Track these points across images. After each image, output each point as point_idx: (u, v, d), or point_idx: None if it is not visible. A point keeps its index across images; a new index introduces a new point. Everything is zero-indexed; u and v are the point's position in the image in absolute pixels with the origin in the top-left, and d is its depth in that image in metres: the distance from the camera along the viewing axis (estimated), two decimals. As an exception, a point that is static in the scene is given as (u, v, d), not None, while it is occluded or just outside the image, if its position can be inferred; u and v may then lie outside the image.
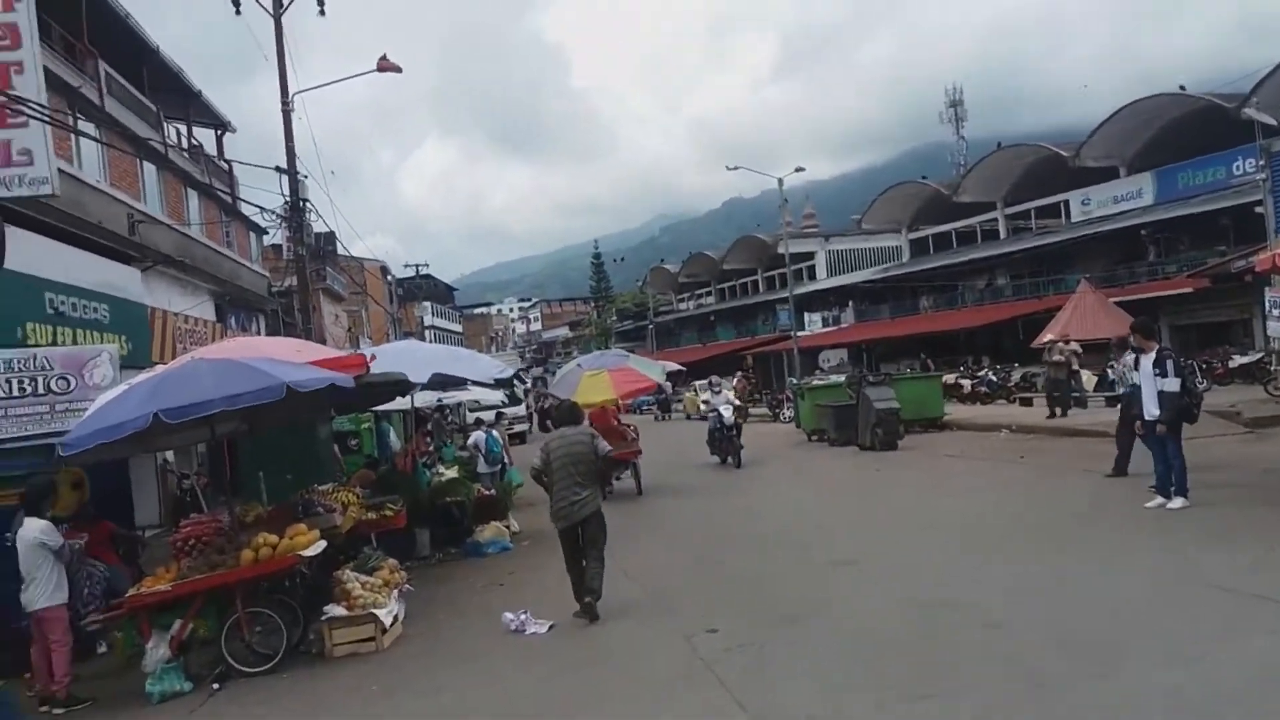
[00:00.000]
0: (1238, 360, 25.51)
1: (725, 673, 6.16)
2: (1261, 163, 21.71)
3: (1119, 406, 11.61)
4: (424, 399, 16.72)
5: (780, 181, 40.66)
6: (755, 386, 41.50)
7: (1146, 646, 5.85)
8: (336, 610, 8.17)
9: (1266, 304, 19.15)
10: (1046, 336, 21.60)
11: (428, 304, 76.50)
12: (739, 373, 39.34)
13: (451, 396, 18.38)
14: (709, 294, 72.88)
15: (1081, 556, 8.51)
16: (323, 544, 8.44)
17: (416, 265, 65.85)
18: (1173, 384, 9.85)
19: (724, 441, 19.13)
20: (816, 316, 53.24)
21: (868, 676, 5.82)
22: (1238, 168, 30.49)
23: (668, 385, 26.85)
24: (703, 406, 23.70)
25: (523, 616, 8.07)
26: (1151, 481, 10.50)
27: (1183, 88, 35.41)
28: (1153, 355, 10.16)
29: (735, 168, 42.04)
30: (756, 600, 8.06)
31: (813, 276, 58.62)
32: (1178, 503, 9.94)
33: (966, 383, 30.14)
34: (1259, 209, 21.87)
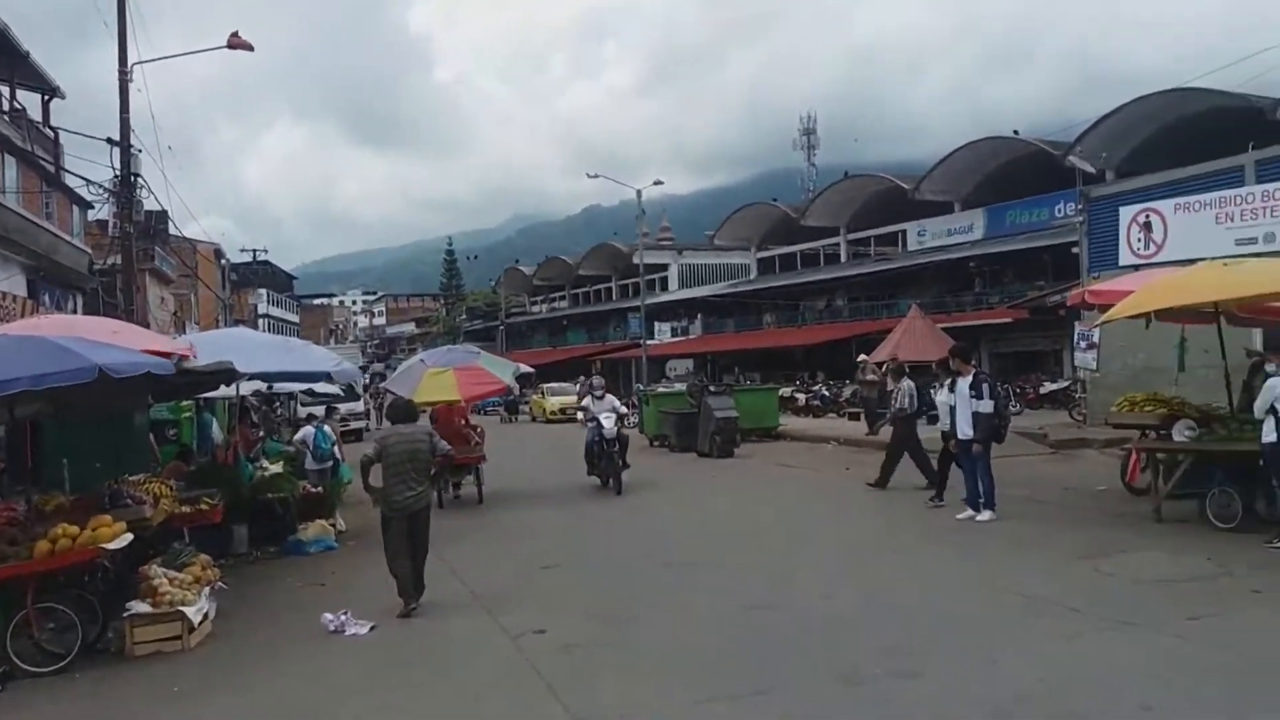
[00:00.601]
0: (1048, 387, 27.48)
1: (550, 672, 6.11)
2: (1080, 207, 23.43)
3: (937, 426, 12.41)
4: (250, 388, 15.89)
5: (639, 193, 41.10)
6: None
7: (953, 647, 6.18)
8: (140, 607, 7.64)
9: (1075, 336, 20.71)
10: (861, 356, 22.95)
11: (263, 291, 73.17)
12: (582, 378, 39.42)
13: (283, 387, 17.54)
14: (563, 298, 72.88)
15: (897, 563, 8.94)
16: (128, 537, 7.87)
17: (254, 250, 62.96)
18: (986, 406, 10.53)
19: (604, 459, 15.51)
20: (666, 326, 54.02)
21: (690, 675, 5.90)
22: (1060, 210, 32.80)
23: (516, 386, 26.55)
24: (580, 415, 19.05)
25: (343, 617, 7.77)
26: (929, 495, 11.41)
27: (1016, 132, 37.85)
28: (969, 378, 10.80)
29: (596, 176, 42.32)
30: (588, 602, 8.05)
31: (665, 287, 59.54)
32: (986, 515, 10.63)
33: (801, 396, 31.34)
34: (1075, 249, 23.59)
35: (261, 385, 16.21)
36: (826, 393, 31.13)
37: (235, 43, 18.40)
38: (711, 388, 22.62)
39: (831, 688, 5.54)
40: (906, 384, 13.90)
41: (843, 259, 47.01)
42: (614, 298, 64.40)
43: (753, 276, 54.30)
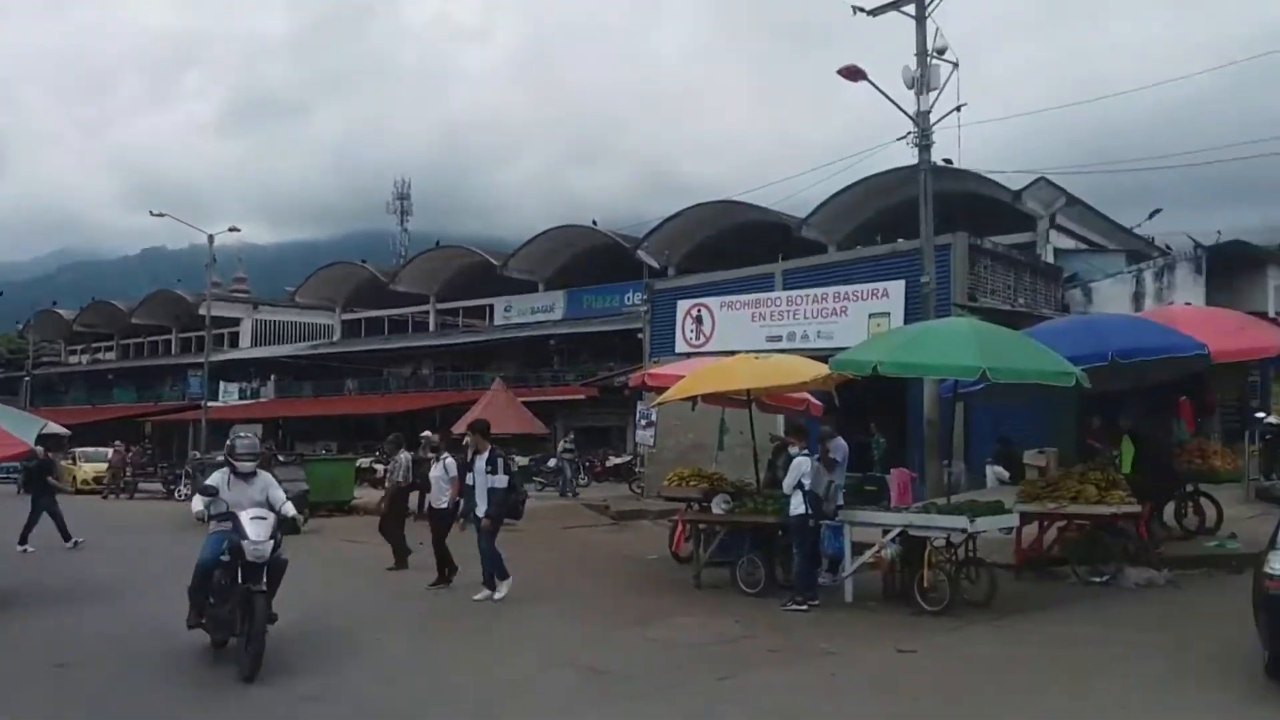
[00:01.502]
0: (613, 460, 29.40)
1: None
2: (645, 297, 25.68)
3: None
4: None
5: (211, 238, 37.92)
6: (150, 459, 37.22)
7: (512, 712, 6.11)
8: None
9: (637, 415, 22.44)
10: (425, 432, 22.91)
11: None
12: (118, 442, 34.67)
13: None
14: (110, 349, 64.44)
15: (453, 639, 8.79)
16: None
17: None
18: (501, 481, 10.26)
19: (236, 602, 7.44)
20: (234, 387, 49.94)
21: None
22: (629, 298, 35.71)
23: (39, 449, 22.56)
24: (198, 506, 8.16)
25: None
26: (432, 580, 11.11)
27: (595, 223, 40.82)
28: (486, 454, 10.41)
29: (161, 214, 38.21)
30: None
31: (235, 344, 55.22)
32: (503, 590, 10.29)
33: (380, 468, 30.36)
34: (640, 335, 25.74)
35: None
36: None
37: None
38: (280, 457, 21.14)
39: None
40: (403, 457, 13.84)
41: (431, 327, 47.04)
42: (173, 351, 58.27)
43: (336, 338, 52.33)
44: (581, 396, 33.52)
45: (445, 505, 11.52)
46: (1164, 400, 13.94)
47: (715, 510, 11.04)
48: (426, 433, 19.36)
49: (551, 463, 26.71)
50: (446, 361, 43.90)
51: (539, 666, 7.67)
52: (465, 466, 11.28)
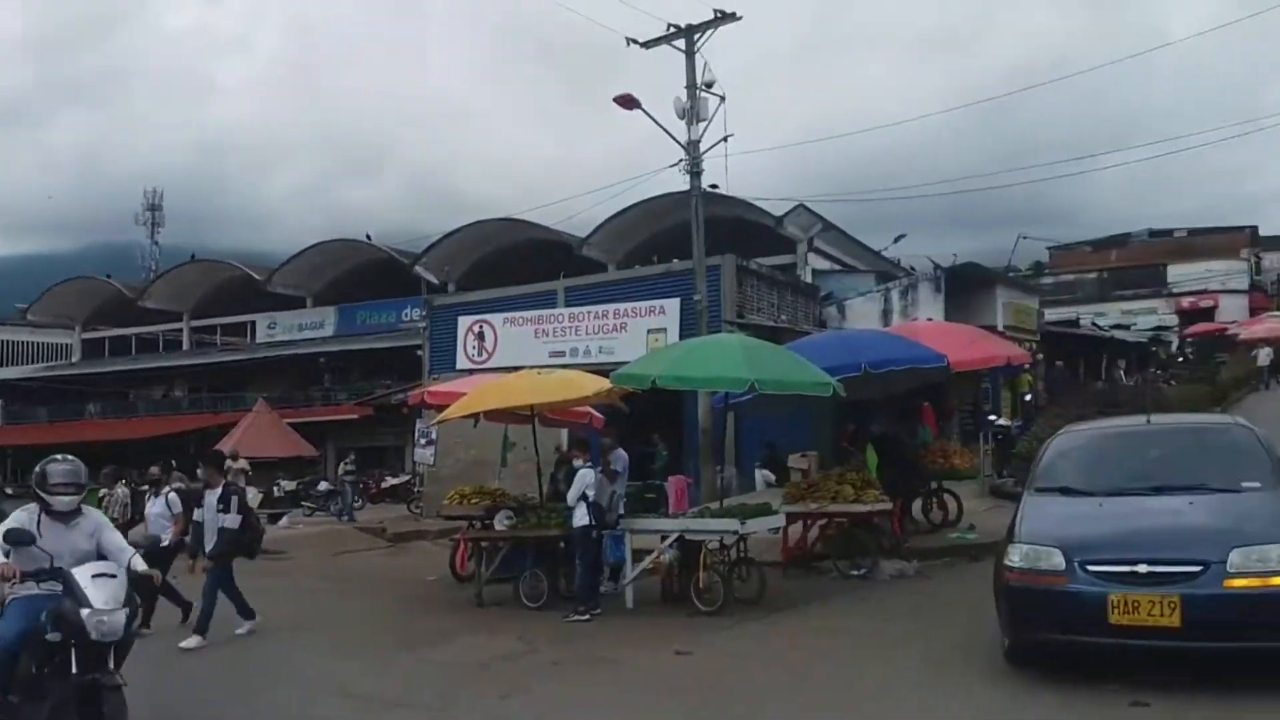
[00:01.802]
0: (390, 481, 28.44)
1: None
2: (424, 313, 25.11)
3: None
4: None
5: (-81, 247, 33.58)
6: None
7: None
8: None
9: (416, 433, 21.86)
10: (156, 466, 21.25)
11: None
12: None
13: None
14: None
15: (200, 678, 8.23)
16: None
17: None
18: (233, 520, 9.52)
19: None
20: (-49, 414, 44.39)
21: None
22: (406, 314, 34.73)
23: None
24: None
25: None
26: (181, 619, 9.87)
27: (369, 237, 39.46)
28: (219, 490, 9.67)
29: None
30: None
31: (-47, 366, 49.10)
32: (245, 627, 9.59)
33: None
34: (419, 352, 25.13)
35: None
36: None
37: None
38: (8, 490, 18.98)
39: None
40: (120, 491, 12.90)
41: (185, 346, 43.74)
42: (-124, 376, 51.11)
43: (76, 359, 47.62)
44: (355, 416, 32.29)
45: (168, 544, 10.27)
46: (910, 406, 15.22)
47: (498, 526, 10.95)
48: (154, 468, 15.73)
49: (322, 486, 25.53)
50: (204, 382, 40.96)
51: (304, 699, 7.30)
52: (194, 501, 10.07)
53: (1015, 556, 6.37)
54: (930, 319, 18.92)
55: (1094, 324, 37.71)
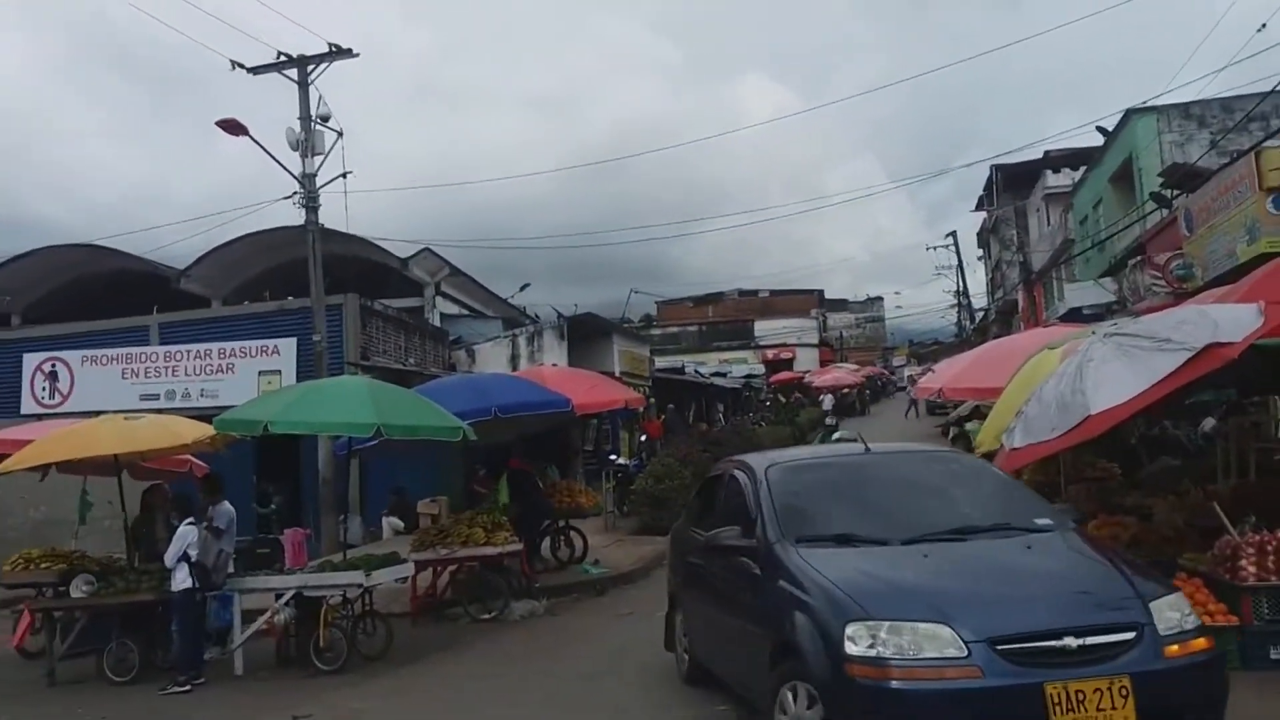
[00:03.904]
0: None
1: None
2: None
3: None
4: None
5: None
6: None
7: None
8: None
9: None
10: None
11: None
12: None
13: None
14: None
15: None
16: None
17: None
18: None
19: None
20: None
21: None
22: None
23: None
24: None
25: None
26: None
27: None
28: None
29: None
30: None
31: None
32: None
33: None
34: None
35: None
36: None
37: None
38: None
39: None
40: None
41: None
42: None
43: None
44: None
45: None
46: (539, 447, 15.53)
47: (75, 594, 9.46)
48: None
49: None
50: None
51: None
52: None
53: (867, 642, 4.33)
54: (555, 364, 19.54)
55: (697, 371, 41.28)
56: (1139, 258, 21.59)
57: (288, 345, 18.84)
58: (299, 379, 17.35)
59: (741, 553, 5.60)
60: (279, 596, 9.19)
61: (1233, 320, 5.84)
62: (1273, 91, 16.74)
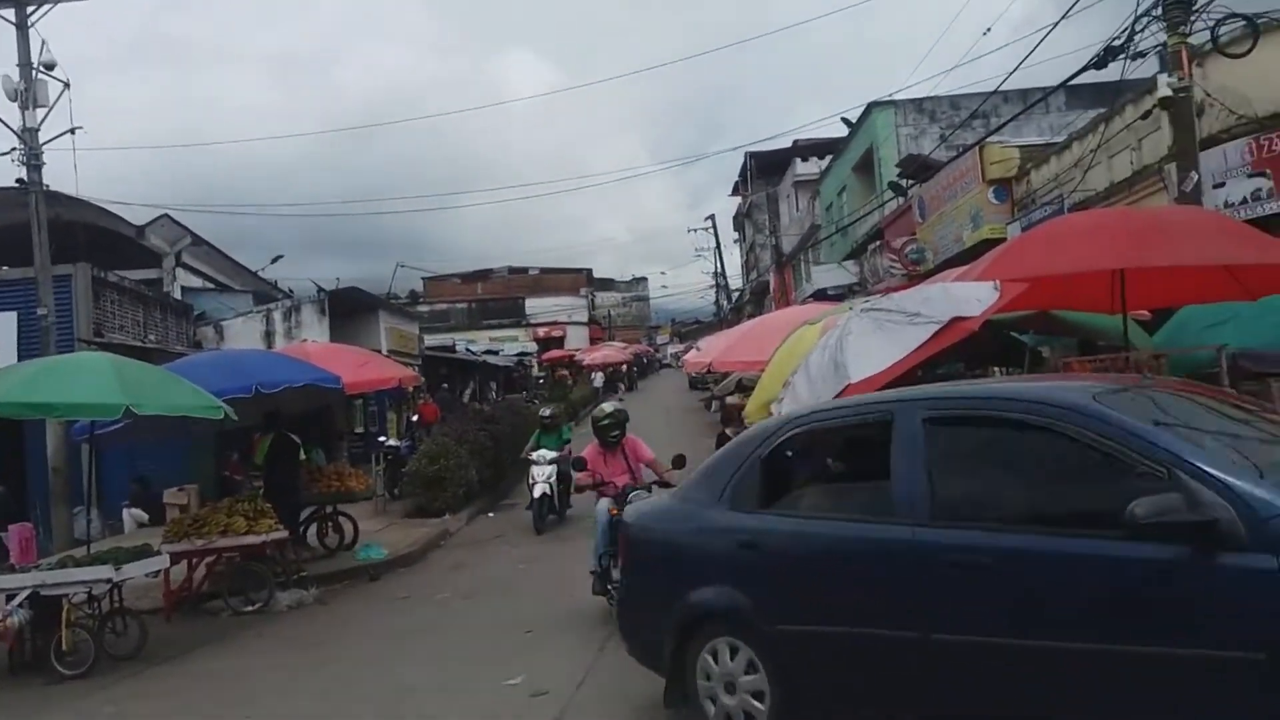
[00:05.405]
0: None
1: None
2: None
3: None
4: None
5: None
6: None
7: None
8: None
9: None
10: None
11: None
12: None
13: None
14: None
15: None
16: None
17: None
18: None
19: None
20: None
21: None
22: None
23: None
24: None
25: None
26: None
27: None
28: None
29: None
30: None
31: None
32: None
33: None
34: None
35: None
36: None
37: None
38: None
39: None
40: None
41: None
42: None
43: None
44: None
45: None
46: (301, 432, 14.79)
47: None
48: None
49: None
50: None
51: None
52: None
53: None
54: (317, 341, 18.62)
55: (468, 349, 40.76)
56: (878, 242, 23.48)
57: (6, 320, 16.80)
58: (21, 357, 15.53)
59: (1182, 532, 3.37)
60: (10, 597, 8.26)
61: (973, 296, 6.49)
62: (994, 92, 18.65)
